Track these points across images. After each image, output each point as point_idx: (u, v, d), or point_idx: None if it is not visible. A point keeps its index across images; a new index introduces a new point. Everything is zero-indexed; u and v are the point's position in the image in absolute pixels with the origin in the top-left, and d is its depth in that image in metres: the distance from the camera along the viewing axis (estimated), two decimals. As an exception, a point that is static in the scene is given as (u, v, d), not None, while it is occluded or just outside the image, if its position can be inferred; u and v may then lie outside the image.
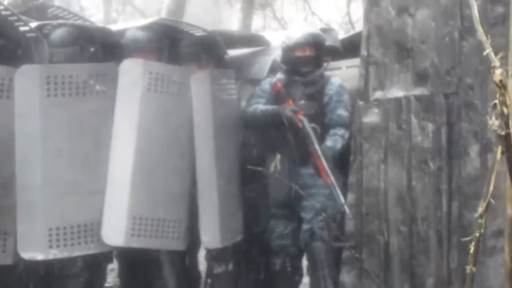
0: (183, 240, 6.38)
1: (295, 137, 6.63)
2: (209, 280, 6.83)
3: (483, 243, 4.83)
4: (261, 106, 6.77)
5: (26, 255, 5.89)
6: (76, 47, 6.26)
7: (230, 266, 6.65)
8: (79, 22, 6.95)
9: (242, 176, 6.81)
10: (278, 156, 6.68)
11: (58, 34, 6.28)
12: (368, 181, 6.51)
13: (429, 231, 6.12)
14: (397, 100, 6.33)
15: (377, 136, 6.45)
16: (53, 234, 5.93)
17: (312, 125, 6.60)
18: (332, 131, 6.67)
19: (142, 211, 6.13)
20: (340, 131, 6.65)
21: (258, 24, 17.18)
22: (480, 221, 3.20)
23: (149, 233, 6.16)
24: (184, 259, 6.76)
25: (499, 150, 3.02)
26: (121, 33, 6.62)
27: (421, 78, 6.23)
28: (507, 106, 2.83)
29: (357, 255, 6.37)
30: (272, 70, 7.11)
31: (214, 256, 6.64)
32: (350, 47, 7.12)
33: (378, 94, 6.46)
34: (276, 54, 7.20)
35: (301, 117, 6.59)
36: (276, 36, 7.98)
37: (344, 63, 7.21)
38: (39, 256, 5.92)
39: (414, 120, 6.25)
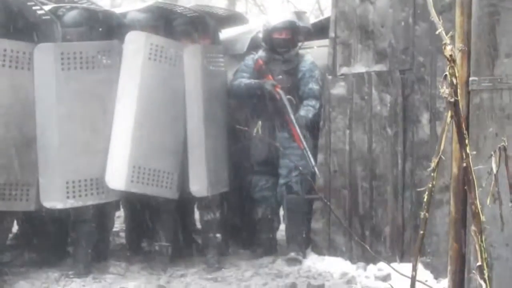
0: (175, 190, 6.40)
1: (274, 107, 6.81)
2: (200, 226, 6.87)
3: (433, 197, 4.92)
4: (245, 80, 6.91)
5: (48, 204, 6.00)
6: (86, 27, 6.27)
7: (218, 214, 6.64)
8: (88, 5, 6.91)
9: (229, 138, 6.87)
10: (260, 122, 6.68)
11: (70, 15, 6.30)
12: (335, 144, 6.59)
13: (387, 186, 6.22)
14: (360, 75, 6.43)
15: (343, 106, 6.54)
16: (70, 186, 6.03)
17: (288, 97, 6.77)
18: (305, 102, 6.84)
19: (141, 161, 6.18)
20: (312, 102, 6.81)
21: (241, 9, 17.17)
22: (432, 174, 3.37)
23: (146, 181, 6.19)
24: (180, 209, 6.77)
25: (449, 114, 3.07)
26: (124, 15, 6.67)
27: (380, 56, 6.32)
28: (456, 77, 3.01)
29: (329, 204, 6.44)
30: (251, 47, 7.22)
31: (203, 205, 6.64)
32: (320, 30, 7.14)
33: (344, 70, 6.55)
34: (254, 32, 7.37)
35: (279, 90, 6.77)
36: (257, 20, 8.14)
37: (315, 43, 7.28)
38: (59, 205, 6.03)
39: (374, 92, 6.34)
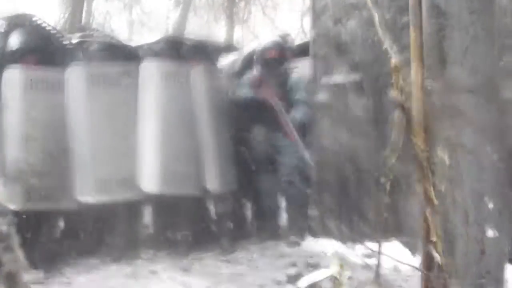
0: (199, 188, 6.45)
1: (270, 113, 6.92)
2: (215, 218, 6.93)
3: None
4: (246, 92, 7.06)
5: (82, 199, 6.04)
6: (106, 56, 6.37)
7: (229, 207, 6.78)
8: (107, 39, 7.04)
9: (234, 142, 6.92)
10: (259, 127, 6.98)
11: (92, 48, 6.42)
12: (322, 143, 6.62)
13: (369, 177, 6.15)
14: (338, 85, 6.46)
15: (326, 110, 6.57)
16: (100, 184, 6.07)
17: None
18: (295, 107, 6.94)
19: (169, 167, 6.22)
20: (300, 109, 6.91)
21: (238, 35, 17.32)
22: (387, 162, 3.42)
23: (175, 183, 6.25)
24: (198, 203, 6.82)
25: (397, 112, 3.25)
26: (141, 46, 6.83)
27: (353, 68, 6.34)
28: (400, 84, 3.08)
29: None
30: (244, 66, 7.35)
31: (216, 199, 6.74)
32: (305, 50, 7.14)
33: (324, 81, 6.60)
34: (246, 54, 7.51)
35: (274, 98, 6.91)
36: (252, 44, 8.28)
37: (300, 63, 7.29)
38: (91, 200, 6.05)
39: (351, 98, 6.37)
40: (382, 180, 3.40)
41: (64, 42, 6.29)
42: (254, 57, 7.32)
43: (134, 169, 6.21)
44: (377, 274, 3.39)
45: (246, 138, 7.09)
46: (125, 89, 6.29)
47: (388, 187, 3.33)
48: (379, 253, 3.38)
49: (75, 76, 6.11)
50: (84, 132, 6.09)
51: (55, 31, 6.28)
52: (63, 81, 6.09)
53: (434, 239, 3.30)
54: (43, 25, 6.21)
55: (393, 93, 3.04)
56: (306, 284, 3.57)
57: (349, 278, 3.62)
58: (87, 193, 6.07)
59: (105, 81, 6.19)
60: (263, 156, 6.99)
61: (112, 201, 6.16)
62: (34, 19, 6.17)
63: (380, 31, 3.22)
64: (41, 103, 5.98)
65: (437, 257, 3.15)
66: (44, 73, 6.05)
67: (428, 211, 3.21)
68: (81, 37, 7.02)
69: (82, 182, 6.07)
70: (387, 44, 3.12)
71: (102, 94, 6.17)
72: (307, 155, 6.74)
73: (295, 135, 6.80)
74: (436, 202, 3.18)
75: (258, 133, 6.99)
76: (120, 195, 6.19)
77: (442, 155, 3.34)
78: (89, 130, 6.11)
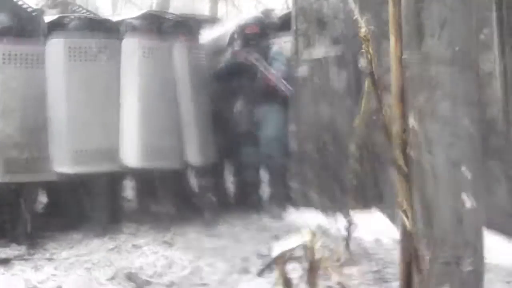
0: (180, 161, 6.49)
1: (249, 77, 6.95)
2: (197, 191, 6.95)
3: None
4: (226, 63, 7.15)
5: (59, 169, 6.02)
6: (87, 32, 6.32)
7: (211, 180, 6.80)
8: (87, 14, 7.05)
9: (216, 115, 6.95)
10: (240, 101, 7.00)
11: (73, 24, 6.36)
12: (303, 116, 6.68)
13: (347, 148, 6.03)
14: (319, 59, 6.50)
15: (307, 84, 6.61)
16: (78, 155, 6.07)
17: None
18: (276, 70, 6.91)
19: (149, 141, 6.25)
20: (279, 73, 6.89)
21: (222, 10, 17.25)
22: (357, 130, 3.44)
23: (156, 157, 6.28)
24: (180, 176, 6.88)
25: (367, 82, 3.26)
26: (122, 21, 6.69)
27: (335, 43, 6.38)
28: (370, 53, 3.12)
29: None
30: (231, 42, 7.36)
31: (198, 172, 6.77)
32: (286, 22, 7.15)
33: (305, 55, 6.63)
34: (232, 30, 7.49)
35: (249, 57, 6.93)
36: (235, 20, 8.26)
37: (282, 39, 7.31)
38: (68, 170, 6.04)
39: (331, 72, 6.41)
40: (352, 148, 3.41)
41: (40, 17, 6.28)
42: (235, 32, 7.35)
43: (113, 142, 6.21)
44: (347, 243, 3.42)
45: (228, 111, 7.10)
46: (104, 63, 6.27)
47: (357, 155, 3.32)
48: (349, 222, 3.42)
49: (54, 50, 6.11)
50: (62, 104, 6.08)
51: (29, 7, 6.24)
52: (42, 55, 6.09)
53: (404, 207, 3.32)
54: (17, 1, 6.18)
55: (363, 63, 3.06)
56: (278, 252, 3.58)
57: (321, 246, 3.64)
58: (64, 164, 6.04)
59: (84, 55, 6.18)
60: (244, 129, 7.02)
61: (90, 172, 6.16)
62: None
63: (350, 2, 3.22)
64: (19, 76, 6.00)
65: (407, 226, 3.16)
66: (22, 47, 6.06)
67: (398, 179, 3.23)
68: (60, 12, 7.09)
69: (59, 152, 6.05)
70: (356, 14, 3.12)
71: (81, 67, 6.17)
72: (288, 87, 6.74)
73: (276, 79, 6.79)
74: (406, 170, 3.20)
75: (240, 106, 7.01)
76: (98, 167, 6.17)
77: (415, 123, 3.32)
78: (67, 102, 6.09)
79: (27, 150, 5.94)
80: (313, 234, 3.43)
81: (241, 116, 6.97)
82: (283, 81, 6.77)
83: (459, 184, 3.31)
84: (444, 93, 3.41)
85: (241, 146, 7.08)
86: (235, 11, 17.10)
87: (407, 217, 3.16)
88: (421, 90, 3.48)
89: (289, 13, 7.15)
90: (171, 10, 12.89)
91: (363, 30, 2.98)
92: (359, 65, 3.11)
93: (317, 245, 3.45)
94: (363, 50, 3.05)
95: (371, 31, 3.36)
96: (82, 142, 6.11)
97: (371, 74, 3.00)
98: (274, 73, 6.81)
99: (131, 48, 6.34)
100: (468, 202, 3.27)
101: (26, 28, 6.19)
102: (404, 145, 3.48)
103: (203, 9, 17.26)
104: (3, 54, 5.92)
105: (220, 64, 7.22)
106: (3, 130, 5.85)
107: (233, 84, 7.06)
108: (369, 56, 2.99)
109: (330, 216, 6.23)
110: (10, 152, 5.87)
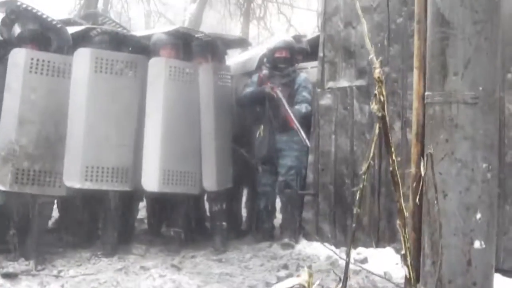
0: (198, 186, 6.43)
1: (272, 108, 6.81)
2: (209, 215, 6.85)
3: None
4: (250, 89, 7.02)
5: (68, 183, 5.93)
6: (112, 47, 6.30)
7: (224, 205, 6.64)
8: (115, 29, 6.98)
9: (236, 141, 6.89)
10: (262, 127, 6.85)
11: (98, 38, 6.36)
12: (323, 146, 6.60)
13: (366, 183, 6.16)
14: (344, 89, 6.45)
15: (329, 114, 6.55)
16: (88, 171, 5.96)
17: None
18: (298, 105, 6.83)
19: (170, 166, 6.20)
20: (304, 105, 6.79)
21: (253, 32, 17.30)
22: (363, 176, 3.38)
23: (175, 182, 6.22)
24: (193, 200, 6.75)
25: (377, 126, 3.15)
26: (151, 36, 6.69)
27: (360, 73, 6.33)
28: (383, 95, 3.01)
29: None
30: (260, 65, 7.28)
31: (212, 197, 6.64)
32: (314, 48, 7.03)
33: (330, 84, 6.57)
34: (262, 53, 7.43)
35: (276, 90, 6.79)
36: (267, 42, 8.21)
37: (309, 64, 7.28)
38: (77, 185, 5.95)
39: (355, 103, 6.34)
40: (354, 189, 3.33)
41: (63, 29, 6.24)
42: (264, 55, 7.27)
43: (127, 161, 6.16)
44: (345, 281, 3.33)
45: (248, 137, 7.02)
46: (129, 79, 6.22)
47: (358, 196, 3.27)
48: (348, 259, 3.34)
49: (81, 60, 6.05)
50: (80, 117, 6.01)
51: (53, 20, 6.18)
52: (66, 65, 6.03)
53: (403, 252, 3.27)
54: (39, 13, 6.13)
55: (374, 106, 2.96)
56: (276, 291, 3.53)
57: (318, 286, 3.56)
58: (74, 178, 5.97)
59: (110, 67, 6.12)
60: (264, 156, 6.91)
61: (100, 189, 6.09)
62: (31, 9, 6.10)
63: (367, 41, 3.13)
64: (43, 86, 5.93)
65: (405, 270, 3.12)
66: (47, 55, 6.00)
67: (398, 223, 3.17)
68: (90, 23, 7.07)
69: (70, 166, 5.98)
70: (371, 54, 3.03)
71: (105, 80, 6.11)
72: (306, 138, 6.65)
73: (296, 123, 6.68)
74: (406, 214, 3.14)
75: (261, 132, 6.89)
76: (108, 185, 6.11)
77: (432, 165, 3.26)
78: (85, 114, 6.02)
79: (39, 163, 5.87)
80: (310, 275, 3.33)
81: (262, 142, 6.85)
82: (302, 132, 6.66)
83: (470, 226, 3.27)
84: (464, 135, 3.33)
85: (259, 173, 6.99)
86: (267, 33, 17.13)
87: (404, 261, 3.10)
88: (441, 130, 3.39)
89: (318, 37, 7.08)
90: (202, 28, 12.90)
91: (377, 71, 2.86)
92: (371, 108, 2.99)
93: (314, 286, 3.36)
94: (375, 92, 2.91)
95: (386, 73, 3.23)
96: (95, 158, 6.04)
97: (383, 118, 2.88)
98: (292, 117, 6.70)
99: (158, 68, 6.30)
100: (478, 244, 3.26)
101: (50, 39, 6.17)
102: (417, 187, 3.40)
103: (235, 28, 17.33)
104: (32, 59, 5.86)
105: (246, 88, 7.11)
106: (18, 140, 5.80)
107: (257, 110, 6.97)
108: (382, 98, 2.87)
109: (342, 250, 6.08)
110: (21, 163, 5.80)
